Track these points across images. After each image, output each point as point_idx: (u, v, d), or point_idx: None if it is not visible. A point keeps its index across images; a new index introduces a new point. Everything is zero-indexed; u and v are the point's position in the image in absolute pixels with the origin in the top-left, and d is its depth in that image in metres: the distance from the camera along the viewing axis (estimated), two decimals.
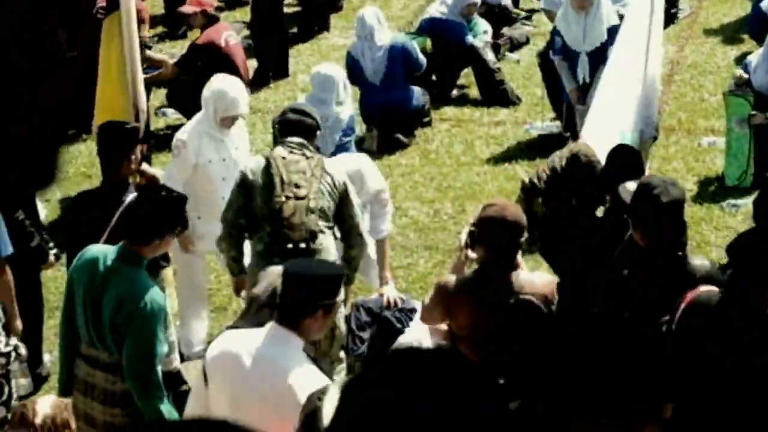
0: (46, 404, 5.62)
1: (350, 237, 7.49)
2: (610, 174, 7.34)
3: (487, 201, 10.29)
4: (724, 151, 10.92)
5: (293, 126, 7.62)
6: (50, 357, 8.29)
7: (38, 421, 5.49)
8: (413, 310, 8.03)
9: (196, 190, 8.12)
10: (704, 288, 5.82)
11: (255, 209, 7.41)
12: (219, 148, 8.34)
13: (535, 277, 6.36)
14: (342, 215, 7.47)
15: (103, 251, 6.26)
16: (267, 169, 7.41)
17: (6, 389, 6.73)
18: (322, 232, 7.38)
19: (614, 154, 7.50)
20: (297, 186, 7.38)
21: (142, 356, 6.04)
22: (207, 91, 8.40)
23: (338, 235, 7.54)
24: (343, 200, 7.49)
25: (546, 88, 12.28)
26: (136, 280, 6.08)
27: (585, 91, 10.69)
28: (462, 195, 10.94)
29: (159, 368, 6.08)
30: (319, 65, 10.24)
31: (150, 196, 6.50)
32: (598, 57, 10.49)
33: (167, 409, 6.10)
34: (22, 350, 6.78)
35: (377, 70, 11.65)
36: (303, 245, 7.30)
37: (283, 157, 7.46)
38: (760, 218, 7.11)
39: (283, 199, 7.36)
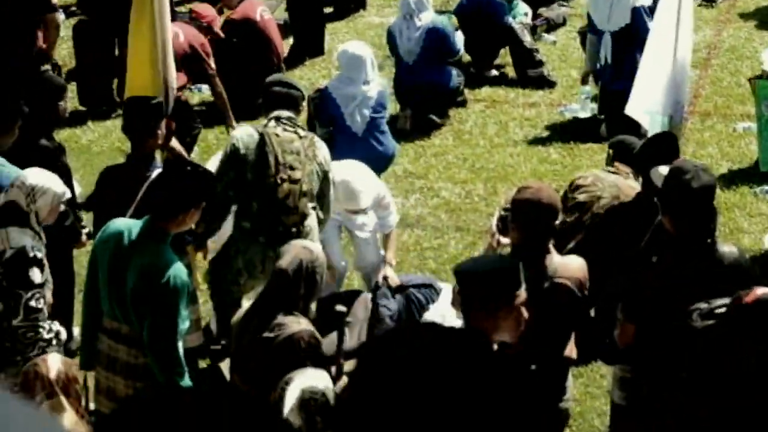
0: (56, 360, 5.70)
1: (321, 210, 7.64)
2: (645, 160, 7.33)
3: (521, 183, 10.42)
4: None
5: (281, 99, 7.65)
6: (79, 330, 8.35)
7: (53, 375, 5.56)
8: (439, 290, 8.08)
9: None
10: (761, 290, 5.65)
11: (244, 184, 7.43)
12: None
13: (568, 260, 6.29)
14: (321, 193, 7.60)
15: (127, 225, 6.29)
16: (261, 145, 7.41)
17: None
18: (309, 214, 7.47)
19: (651, 140, 7.49)
20: (292, 168, 7.41)
21: (163, 331, 6.07)
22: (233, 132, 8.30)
23: (321, 215, 7.65)
24: (324, 181, 7.58)
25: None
26: (160, 255, 6.10)
27: (607, 70, 10.74)
28: (494, 176, 10.95)
29: (180, 344, 6.12)
30: (346, 44, 10.26)
31: (175, 171, 6.54)
32: (622, 38, 10.54)
33: (187, 385, 6.15)
34: (63, 335, 6.83)
35: (411, 50, 11.63)
36: (294, 229, 7.38)
37: (277, 135, 7.45)
38: None
39: (278, 181, 7.38)
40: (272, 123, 7.53)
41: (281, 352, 6.13)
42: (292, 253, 6.35)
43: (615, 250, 7.42)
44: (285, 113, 7.54)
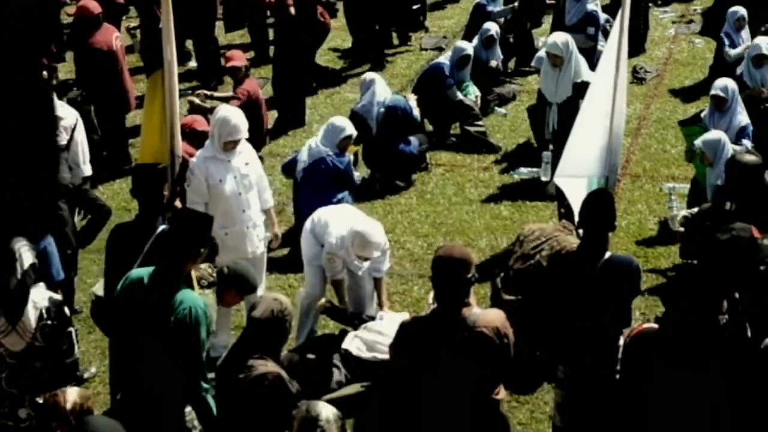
0: (74, 393, 5.77)
1: None
2: (584, 215, 7.32)
3: (476, 236, 10.91)
4: (683, 195, 10.82)
5: None
6: (95, 370, 8.85)
7: (68, 406, 5.65)
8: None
9: (217, 207, 8.60)
10: (647, 324, 6.33)
11: None
12: (227, 167, 8.74)
13: (487, 311, 6.34)
14: None
15: (147, 272, 6.57)
16: None
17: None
18: None
19: (590, 196, 7.44)
20: None
21: (194, 353, 6.41)
22: (213, 120, 8.83)
23: None
24: None
25: (534, 137, 12.70)
26: (181, 292, 6.44)
27: (556, 136, 10.97)
28: (453, 230, 11.26)
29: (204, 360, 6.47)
30: (334, 117, 10.86)
31: (182, 220, 6.89)
32: (566, 109, 10.84)
33: (212, 402, 6.53)
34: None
35: (375, 126, 12.24)
36: None
37: None
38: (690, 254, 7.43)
39: None
40: None
41: (249, 390, 6.37)
42: (264, 304, 6.54)
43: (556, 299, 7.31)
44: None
